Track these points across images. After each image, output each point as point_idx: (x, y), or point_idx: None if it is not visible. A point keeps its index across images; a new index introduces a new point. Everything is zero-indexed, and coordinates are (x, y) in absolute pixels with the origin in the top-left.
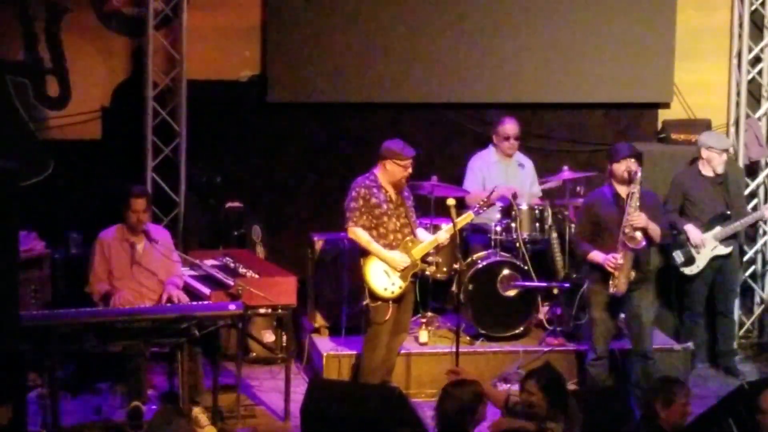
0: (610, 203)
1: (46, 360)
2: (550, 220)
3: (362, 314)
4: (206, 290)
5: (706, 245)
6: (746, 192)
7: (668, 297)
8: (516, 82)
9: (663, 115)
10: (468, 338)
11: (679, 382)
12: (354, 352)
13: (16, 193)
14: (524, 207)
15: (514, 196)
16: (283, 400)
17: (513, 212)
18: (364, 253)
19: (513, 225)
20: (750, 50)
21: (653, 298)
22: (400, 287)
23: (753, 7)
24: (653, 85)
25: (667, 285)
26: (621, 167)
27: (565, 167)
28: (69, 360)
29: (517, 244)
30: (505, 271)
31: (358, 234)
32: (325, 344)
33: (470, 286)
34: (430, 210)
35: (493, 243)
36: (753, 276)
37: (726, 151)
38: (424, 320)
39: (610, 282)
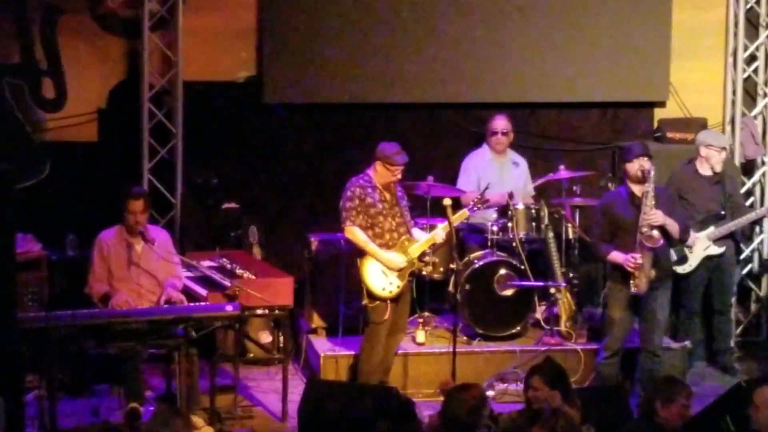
0: (626, 203)
1: (43, 362)
2: (546, 220)
3: (360, 314)
4: (203, 291)
5: (699, 244)
6: (743, 190)
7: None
8: (512, 81)
9: (659, 113)
10: (465, 338)
11: (681, 382)
12: (351, 353)
13: (12, 195)
14: (520, 206)
15: (510, 195)
16: (281, 400)
17: (509, 212)
18: (362, 253)
19: (509, 225)
20: (746, 48)
21: (669, 294)
22: (398, 287)
23: (748, 6)
24: (649, 84)
25: None
26: (634, 166)
27: (562, 166)
28: (66, 362)
29: (514, 244)
30: (502, 271)
31: (356, 233)
32: (322, 345)
33: (467, 286)
34: (426, 210)
35: (489, 243)
36: (750, 274)
37: (724, 149)
38: (421, 320)
39: (631, 282)
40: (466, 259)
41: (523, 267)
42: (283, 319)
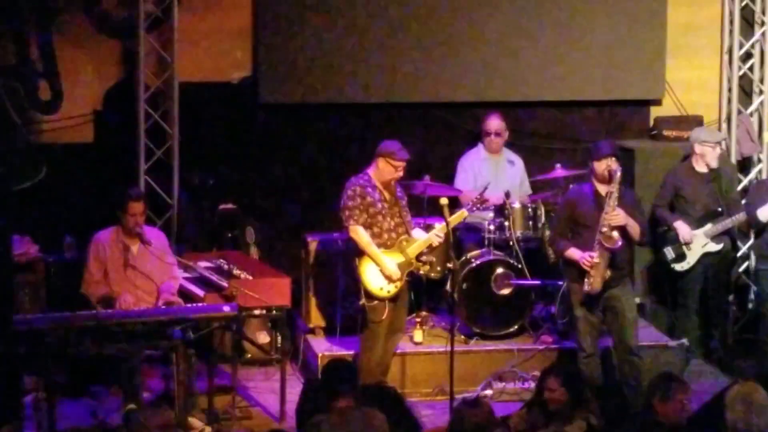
0: (589, 201)
1: (41, 363)
2: (543, 219)
3: (358, 314)
4: (200, 292)
5: (697, 242)
6: (739, 188)
7: (662, 293)
8: (508, 80)
9: (655, 111)
10: (462, 337)
11: (678, 378)
12: (349, 352)
13: (8, 197)
14: (517, 205)
15: (507, 195)
16: (279, 401)
17: (506, 211)
18: (361, 252)
19: (506, 224)
20: (741, 46)
21: (633, 296)
22: (396, 286)
23: (743, 3)
24: (645, 82)
25: (660, 281)
26: (601, 166)
27: (558, 165)
28: (64, 363)
29: (511, 243)
30: (499, 270)
31: (359, 233)
32: (320, 345)
33: (464, 285)
34: (423, 209)
35: (486, 242)
36: (747, 271)
37: (719, 144)
38: (418, 320)
39: (586, 280)
40: (463, 258)
41: (520, 266)
42: (280, 320)
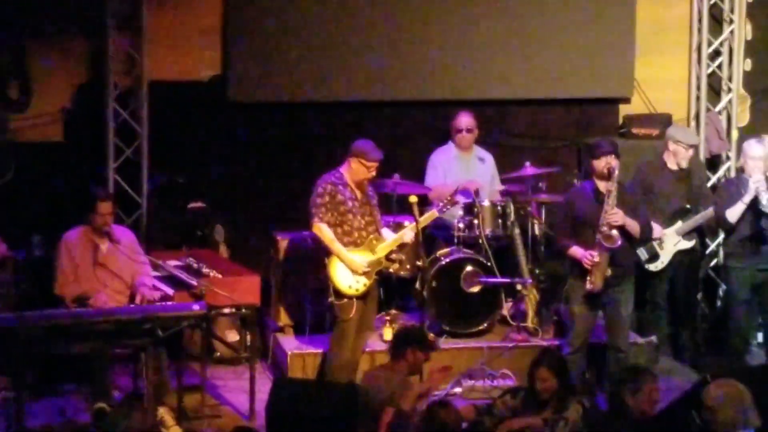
0: (590, 199)
1: (10, 363)
2: (512, 216)
3: (328, 312)
4: (170, 291)
5: (669, 240)
6: (708, 185)
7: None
8: (477, 79)
9: (624, 110)
10: (432, 335)
11: (646, 370)
12: (319, 351)
13: None
14: (486, 203)
15: (476, 192)
16: (248, 399)
17: (475, 209)
18: (329, 251)
19: (475, 222)
20: (709, 44)
21: (632, 295)
22: (365, 284)
23: (712, 1)
24: (614, 81)
25: None
26: (601, 163)
27: (527, 163)
28: (33, 362)
29: (480, 241)
30: (469, 268)
31: (323, 230)
32: (289, 343)
33: (434, 283)
34: (393, 207)
35: (456, 240)
36: (715, 269)
37: (693, 147)
38: (388, 318)
39: (588, 279)
40: (433, 256)
41: (489, 264)
42: (250, 318)
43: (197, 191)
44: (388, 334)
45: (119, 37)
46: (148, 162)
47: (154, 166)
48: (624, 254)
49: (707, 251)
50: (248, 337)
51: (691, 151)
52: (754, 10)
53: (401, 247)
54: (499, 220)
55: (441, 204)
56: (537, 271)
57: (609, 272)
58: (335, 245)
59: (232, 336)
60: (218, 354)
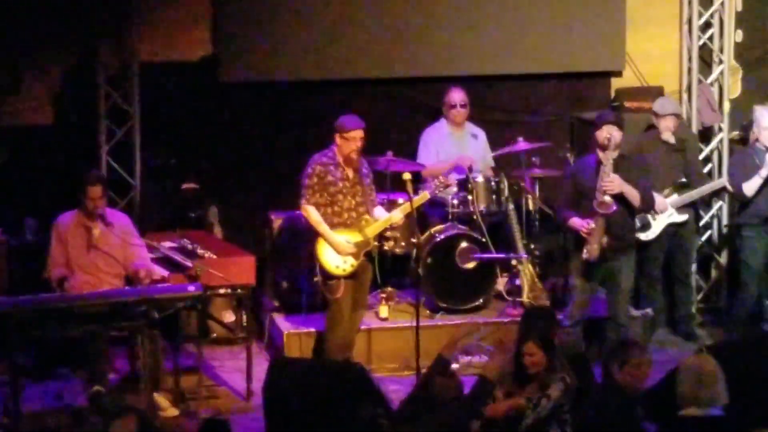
0: (592, 170)
1: (6, 346)
2: (506, 192)
3: (320, 292)
4: (165, 272)
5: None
6: (700, 157)
7: None
8: (469, 54)
9: (616, 83)
10: (428, 312)
11: (634, 343)
12: (314, 330)
13: None
14: (480, 179)
15: (470, 168)
16: (245, 380)
17: (469, 185)
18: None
19: (470, 198)
20: (700, 16)
21: (632, 267)
22: (352, 265)
23: None
24: (605, 54)
25: None
26: (602, 133)
27: (520, 138)
28: (29, 346)
29: (475, 217)
30: (463, 244)
31: (310, 212)
32: (285, 323)
33: (429, 260)
34: (386, 185)
35: (450, 216)
36: (709, 241)
37: (674, 116)
38: (383, 295)
39: (585, 248)
40: (428, 233)
41: (484, 240)
42: (245, 298)
43: (190, 172)
44: (384, 311)
45: (110, 19)
46: (140, 144)
47: (147, 147)
48: (622, 225)
49: (701, 223)
50: (244, 318)
51: (671, 120)
52: None
53: (392, 227)
54: (493, 196)
55: (434, 185)
56: (532, 246)
57: (605, 241)
58: (321, 226)
59: (228, 317)
60: (214, 335)
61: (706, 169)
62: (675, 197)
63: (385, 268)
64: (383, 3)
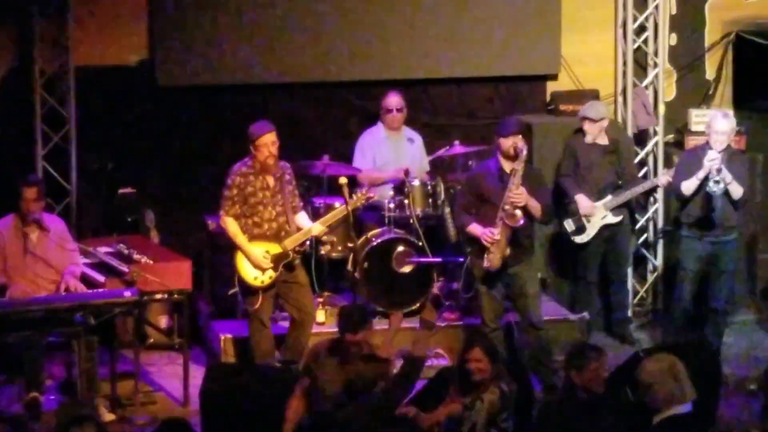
0: (494, 177)
1: None
2: (442, 195)
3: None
4: (101, 278)
5: (596, 214)
6: (636, 160)
7: (562, 266)
8: (405, 58)
9: (551, 87)
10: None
11: (589, 346)
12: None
13: None
14: (416, 183)
15: (406, 173)
16: (182, 385)
17: (405, 189)
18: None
19: (406, 201)
20: (635, 19)
21: (535, 271)
22: (270, 277)
23: None
24: (540, 58)
25: (560, 254)
26: (508, 142)
27: (456, 142)
28: None
29: (411, 221)
30: (400, 248)
31: (228, 224)
32: (222, 327)
33: (365, 264)
34: (323, 189)
35: (386, 220)
36: (645, 244)
37: (601, 120)
38: (320, 300)
39: (485, 256)
40: (364, 237)
41: (420, 243)
42: (182, 303)
43: (127, 177)
44: (320, 316)
45: (45, 23)
46: (76, 148)
47: (83, 152)
48: (525, 233)
49: (637, 226)
50: (181, 323)
51: (596, 125)
52: None
53: (331, 228)
54: (430, 200)
55: (355, 197)
56: (468, 250)
57: (508, 252)
58: (239, 238)
59: (165, 322)
60: (151, 340)
61: (641, 173)
62: (608, 198)
63: (322, 273)
64: (320, 7)
